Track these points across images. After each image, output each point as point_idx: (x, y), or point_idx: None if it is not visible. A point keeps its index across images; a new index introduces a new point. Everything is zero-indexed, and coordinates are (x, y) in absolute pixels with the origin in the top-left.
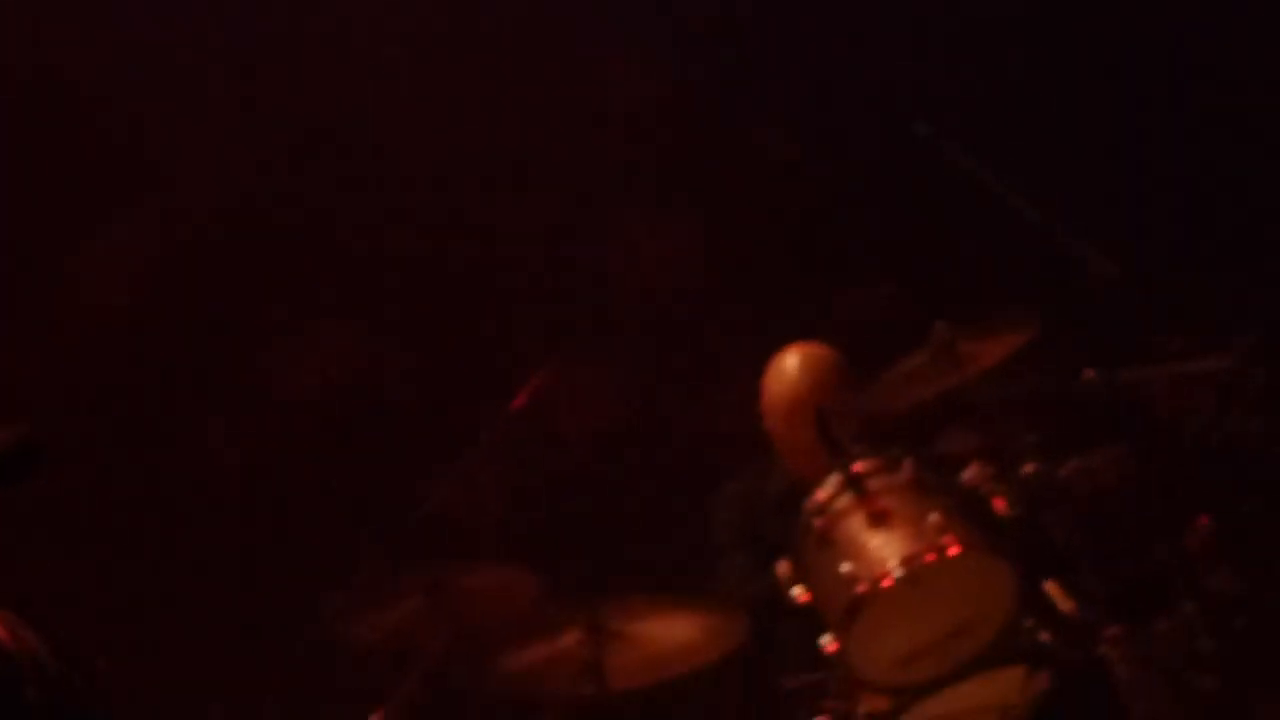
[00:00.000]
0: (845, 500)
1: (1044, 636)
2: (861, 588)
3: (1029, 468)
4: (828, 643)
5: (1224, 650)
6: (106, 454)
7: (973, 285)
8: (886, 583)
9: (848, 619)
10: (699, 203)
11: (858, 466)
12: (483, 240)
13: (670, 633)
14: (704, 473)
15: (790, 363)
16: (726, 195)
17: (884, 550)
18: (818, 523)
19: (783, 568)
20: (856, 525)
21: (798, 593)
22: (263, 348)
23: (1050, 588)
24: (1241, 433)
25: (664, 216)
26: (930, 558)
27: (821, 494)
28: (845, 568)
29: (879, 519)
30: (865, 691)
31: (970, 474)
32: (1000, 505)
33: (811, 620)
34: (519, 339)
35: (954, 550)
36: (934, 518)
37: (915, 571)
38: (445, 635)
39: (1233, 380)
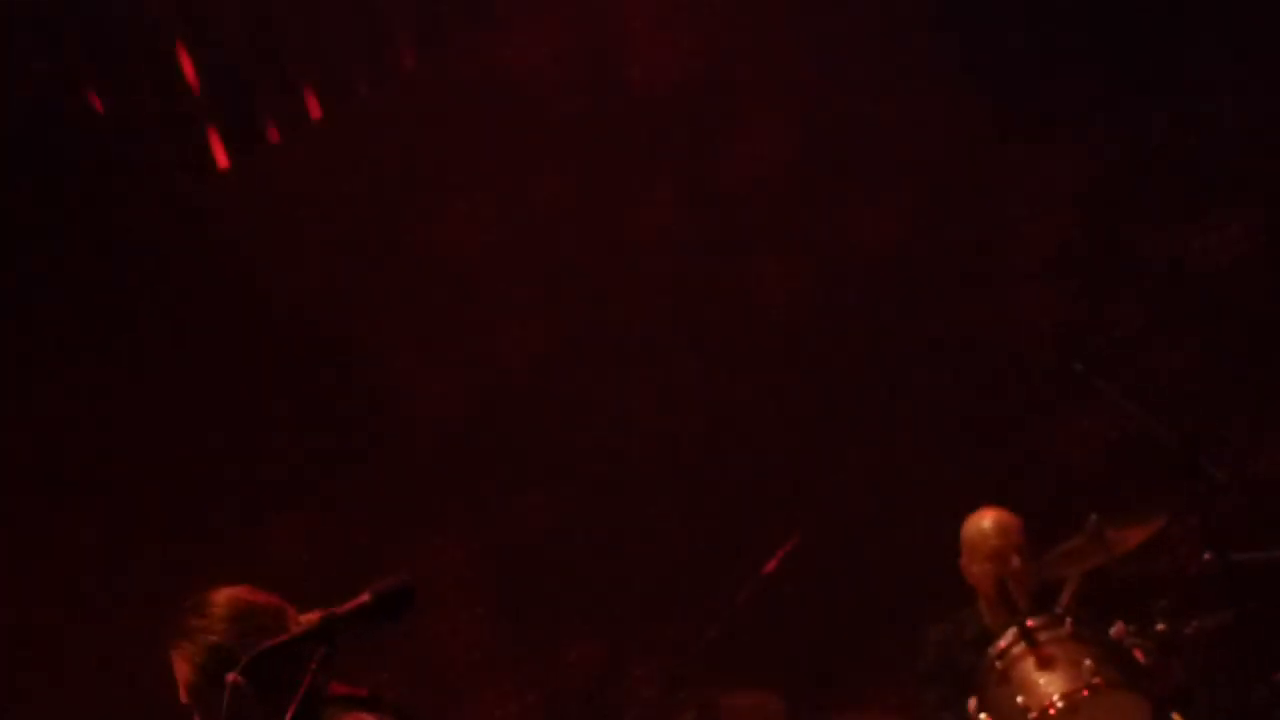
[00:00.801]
0: (1020, 648)
1: None
2: (1033, 715)
3: (1161, 626)
4: None
5: None
6: None
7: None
8: (1052, 712)
9: None
10: None
11: (1030, 622)
12: None
13: None
14: (921, 610)
15: (986, 522)
16: None
17: (1049, 687)
18: (999, 665)
19: (972, 702)
20: (1028, 667)
21: (983, 718)
22: None
23: (1176, 718)
24: None
25: None
26: (1085, 693)
27: (1002, 642)
28: (1020, 699)
29: (1045, 662)
30: None
31: (1116, 630)
32: (1139, 655)
33: None
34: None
35: (1102, 686)
36: (1088, 663)
37: (1074, 703)
38: None
39: None
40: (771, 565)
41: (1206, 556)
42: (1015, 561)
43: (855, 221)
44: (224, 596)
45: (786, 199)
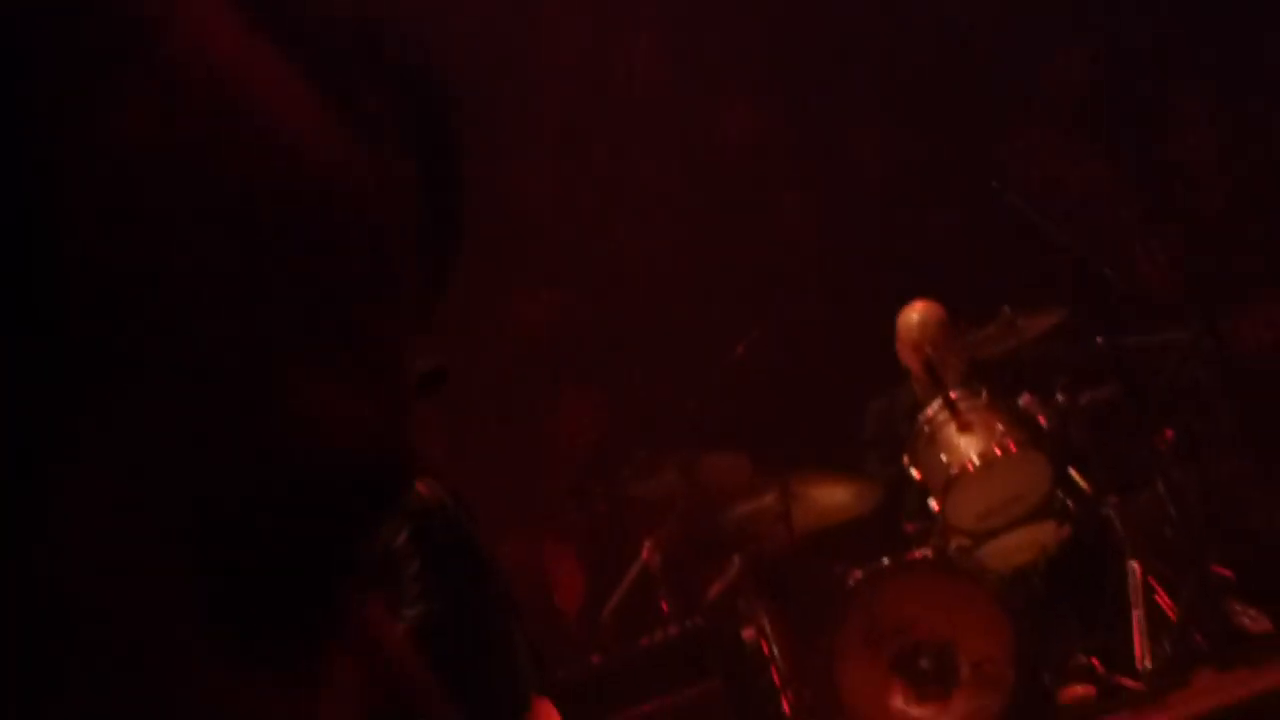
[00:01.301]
0: (944, 416)
1: (1069, 504)
2: (954, 471)
3: (1060, 398)
4: (933, 505)
5: (1181, 513)
6: None
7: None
8: (970, 467)
9: (945, 490)
10: None
11: (953, 395)
12: None
13: (834, 496)
14: (863, 388)
15: (914, 315)
16: None
17: (968, 448)
18: (927, 429)
19: (905, 460)
20: (951, 431)
21: (914, 473)
22: None
23: (1073, 473)
24: (1194, 380)
25: None
26: (998, 452)
27: (930, 411)
28: (944, 458)
29: (965, 427)
30: (955, 535)
31: (1024, 401)
32: (1043, 420)
33: (923, 490)
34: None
35: (1013, 447)
36: (1000, 427)
37: (988, 460)
38: (692, 496)
39: (1188, 346)
40: (740, 349)
41: (1099, 340)
42: (939, 345)
43: None
44: None
45: None
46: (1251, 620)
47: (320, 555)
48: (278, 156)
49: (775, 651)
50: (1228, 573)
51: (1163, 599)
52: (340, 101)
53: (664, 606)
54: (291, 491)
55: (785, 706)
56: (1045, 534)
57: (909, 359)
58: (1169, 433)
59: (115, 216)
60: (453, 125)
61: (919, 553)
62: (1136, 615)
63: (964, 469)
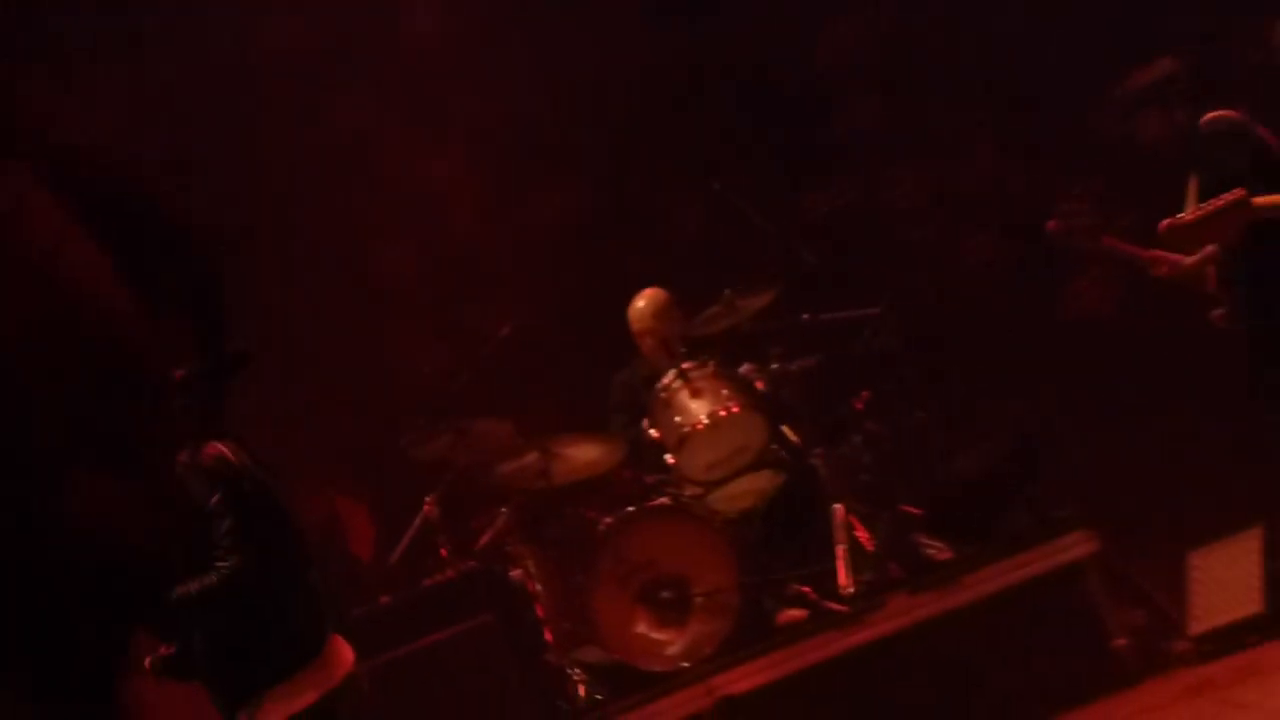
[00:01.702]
0: (678, 383)
1: (782, 455)
2: (685, 429)
3: (775, 365)
4: (669, 460)
5: (876, 462)
6: None
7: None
8: (699, 426)
9: (678, 447)
10: None
11: (685, 365)
12: None
13: (586, 454)
14: (609, 362)
15: (641, 302)
16: None
17: (698, 409)
18: (663, 395)
19: (645, 423)
20: (684, 396)
21: (653, 433)
22: None
23: (786, 429)
24: (884, 348)
25: None
26: (723, 413)
27: (665, 380)
28: (677, 419)
29: (696, 393)
30: (688, 484)
31: (744, 369)
32: (760, 385)
33: (660, 448)
34: None
35: (735, 408)
36: (725, 392)
37: (715, 420)
38: (465, 457)
39: (879, 320)
40: (506, 330)
41: (805, 317)
42: (666, 325)
43: None
44: None
45: None
46: (936, 551)
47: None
48: (86, 314)
49: (539, 588)
50: (916, 511)
51: (862, 534)
52: (131, 271)
53: (443, 553)
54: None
55: (548, 636)
56: (763, 482)
57: (642, 337)
58: (865, 394)
59: None
60: (218, 279)
61: (658, 501)
62: (840, 549)
63: (694, 428)
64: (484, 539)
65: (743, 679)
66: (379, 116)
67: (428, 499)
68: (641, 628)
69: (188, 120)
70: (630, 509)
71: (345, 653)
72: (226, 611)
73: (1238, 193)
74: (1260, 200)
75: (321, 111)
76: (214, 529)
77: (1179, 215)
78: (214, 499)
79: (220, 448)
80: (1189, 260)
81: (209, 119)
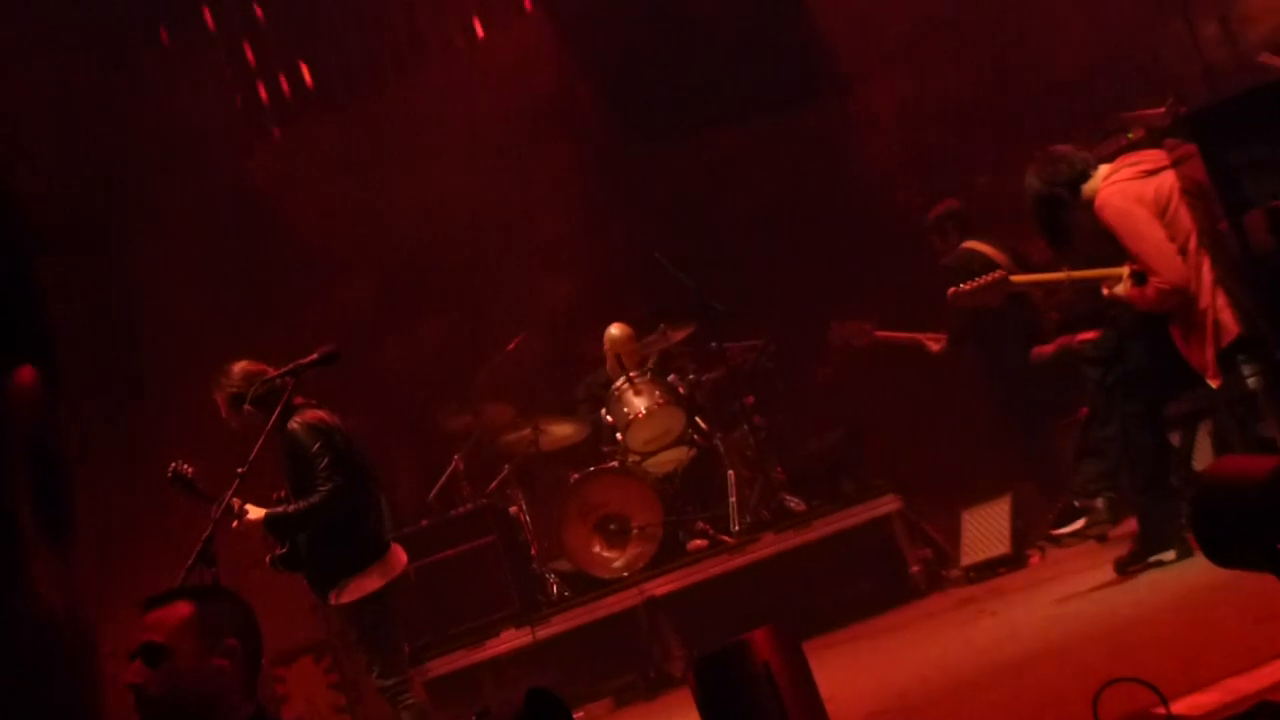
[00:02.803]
0: (627, 386)
1: (695, 437)
2: (630, 416)
3: (691, 376)
4: (619, 437)
5: (757, 443)
6: None
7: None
8: (640, 415)
9: (626, 428)
10: None
11: (632, 374)
12: None
13: (563, 431)
14: (582, 368)
15: (614, 330)
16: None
17: (639, 403)
18: (616, 393)
19: (603, 412)
20: (630, 394)
21: (608, 419)
22: None
23: (698, 419)
24: (765, 368)
25: None
26: (656, 406)
27: (618, 384)
28: (625, 410)
29: (638, 392)
30: (631, 454)
31: (671, 378)
32: (681, 389)
33: (613, 428)
34: None
35: (663, 403)
36: (658, 392)
37: (650, 411)
38: (481, 428)
39: (763, 348)
40: (512, 345)
41: (714, 344)
42: (625, 347)
43: None
44: (238, 366)
45: None
46: (795, 505)
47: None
48: None
49: (528, 520)
50: (782, 476)
51: (746, 491)
52: None
53: (465, 492)
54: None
55: (533, 551)
56: (682, 454)
57: (607, 354)
58: (750, 398)
59: None
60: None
61: (610, 464)
62: (731, 501)
63: (636, 416)
64: (492, 486)
65: (663, 585)
66: None
67: (456, 455)
68: (596, 548)
69: None
70: (591, 469)
71: (400, 555)
72: (324, 522)
73: (1000, 273)
74: (1016, 277)
75: None
76: (315, 466)
77: (961, 286)
78: (315, 446)
79: (320, 414)
80: (936, 346)
81: None
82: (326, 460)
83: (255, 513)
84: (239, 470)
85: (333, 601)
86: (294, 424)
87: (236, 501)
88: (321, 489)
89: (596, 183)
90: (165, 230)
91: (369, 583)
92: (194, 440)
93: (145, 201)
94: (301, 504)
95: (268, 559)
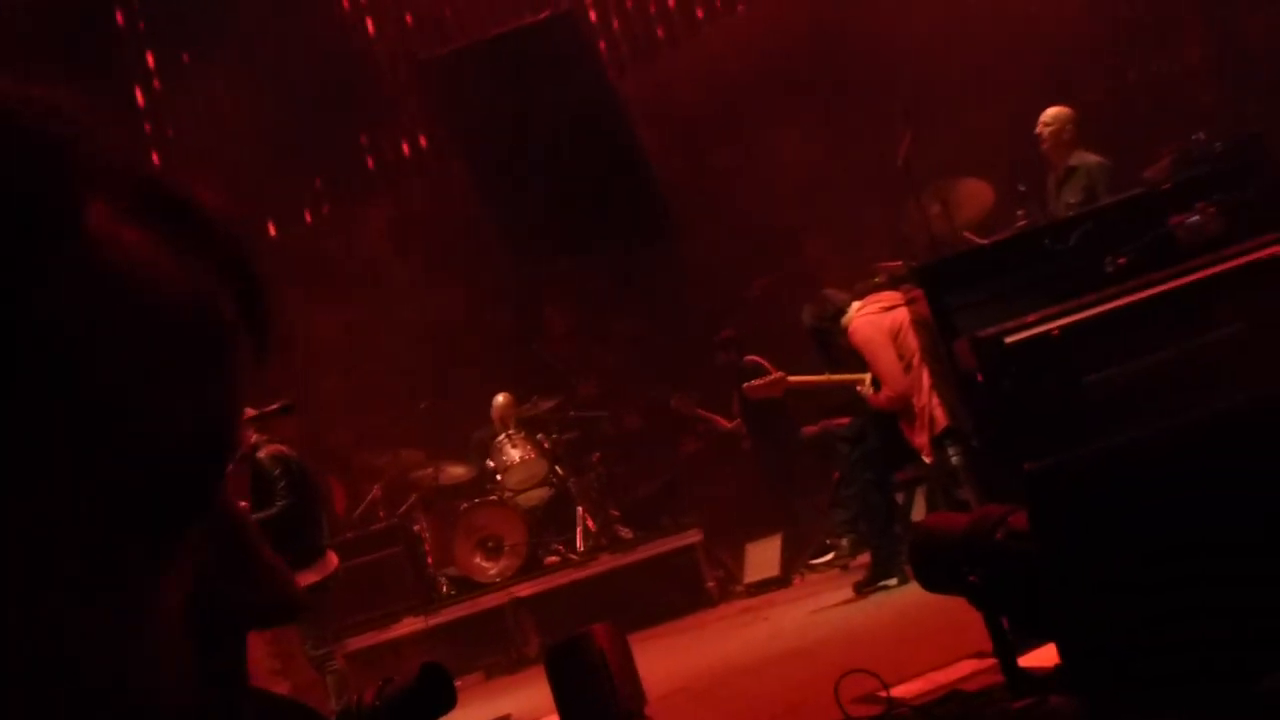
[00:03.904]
0: (505, 440)
1: (554, 479)
2: (508, 463)
3: (555, 435)
4: (499, 478)
5: (599, 485)
6: None
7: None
8: (515, 461)
9: (505, 471)
10: None
11: (511, 432)
12: None
13: (457, 470)
14: (472, 427)
15: (500, 398)
16: None
17: (515, 453)
18: (496, 444)
19: (489, 459)
20: (508, 446)
21: (490, 464)
22: None
23: (557, 467)
24: (603, 434)
25: None
26: (526, 457)
27: (499, 437)
28: (504, 458)
29: (514, 445)
30: (507, 490)
31: (539, 436)
32: (546, 445)
33: (496, 471)
34: None
35: (532, 455)
36: (529, 446)
37: (522, 460)
38: (394, 468)
39: (603, 421)
40: (424, 404)
41: (571, 412)
42: (508, 412)
43: None
44: None
45: None
46: (625, 533)
47: (186, 488)
48: (150, 303)
49: (428, 536)
50: (616, 513)
51: (590, 522)
52: (182, 258)
53: (381, 514)
54: (159, 462)
55: (430, 560)
56: (544, 493)
57: (494, 416)
58: (596, 456)
59: (67, 344)
60: (257, 271)
61: (492, 497)
62: (579, 529)
63: (512, 463)
64: (402, 509)
65: (526, 589)
66: None
67: (376, 486)
68: (477, 559)
69: None
70: (476, 500)
71: (333, 559)
72: (278, 529)
73: (779, 374)
74: (791, 378)
75: None
76: (275, 486)
77: (753, 382)
78: (276, 471)
79: (281, 447)
80: (729, 425)
81: None
82: (284, 483)
83: None
84: None
85: None
86: (261, 454)
87: None
88: (279, 503)
89: (497, 296)
90: None
91: (309, 577)
92: None
93: None
94: (261, 514)
95: None
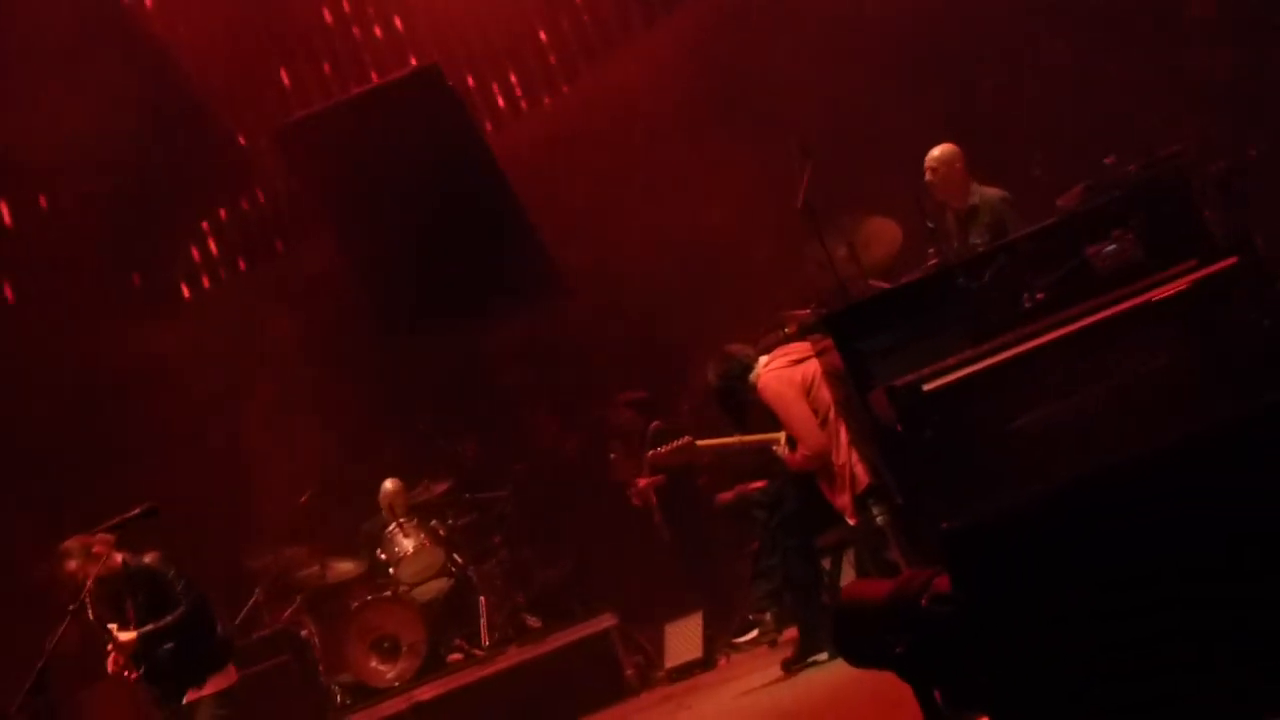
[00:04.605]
0: (397, 530)
1: (453, 569)
2: (400, 554)
3: (450, 521)
4: (391, 571)
5: (504, 573)
6: None
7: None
8: (407, 553)
9: (397, 563)
10: None
11: (402, 520)
12: None
13: (346, 566)
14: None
15: (388, 484)
16: None
17: (407, 544)
18: (389, 535)
19: (379, 550)
20: (400, 536)
21: (383, 556)
22: None
23: (455, 555)
24: (513, 513)
25: None
26: (420, 546)
27: (390, 527)
28: (396, 549)
29: (406, 534)
30: (402, 584)
31: (433, 523)
32: (442, 532)
33: (388, 563)
34: None
35: (427, 544)
36: (422, 535)
37: (417, 549)
38: (277, 566)
39: (505, 500)
40: (303, 499)
41: (467, 495)
42: (397, 500)
43: None
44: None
45: None
46: (533, 622)
47: None
48: None
49: (317, 641)
50: (522, 600)
51: (494, 613)
52: None
53: (265, 619)
54: None
55: (321, 667)
56: (443, 584)
57: (383, 504)
58: (497, 539)
59: None
60: None
61: (385, 593)
62: (482, 621)
63: (405, 553)
64: (286, 614)
65: (428, 692)
66: None
67: (257, 589)
68: (373, 663)
69: None
70: (369, 597)
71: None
72: (186, 632)
73: (688, 439)
74: (700, 441)
75: None
76: (174, 588)
77: (659, 449)
78: (170, 573)
79: (156, 553)
80: (639, 500)
81: None
82: (183, 584)
83: (127, 635)
84: (70, 608)
85: (192, 697)
86: (147, 559)
87: (113, 628)
88: (183, 604)
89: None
90: None
91: (224, 679)
92: None
93: None
94: (169, 619)
95: (131, 678)
